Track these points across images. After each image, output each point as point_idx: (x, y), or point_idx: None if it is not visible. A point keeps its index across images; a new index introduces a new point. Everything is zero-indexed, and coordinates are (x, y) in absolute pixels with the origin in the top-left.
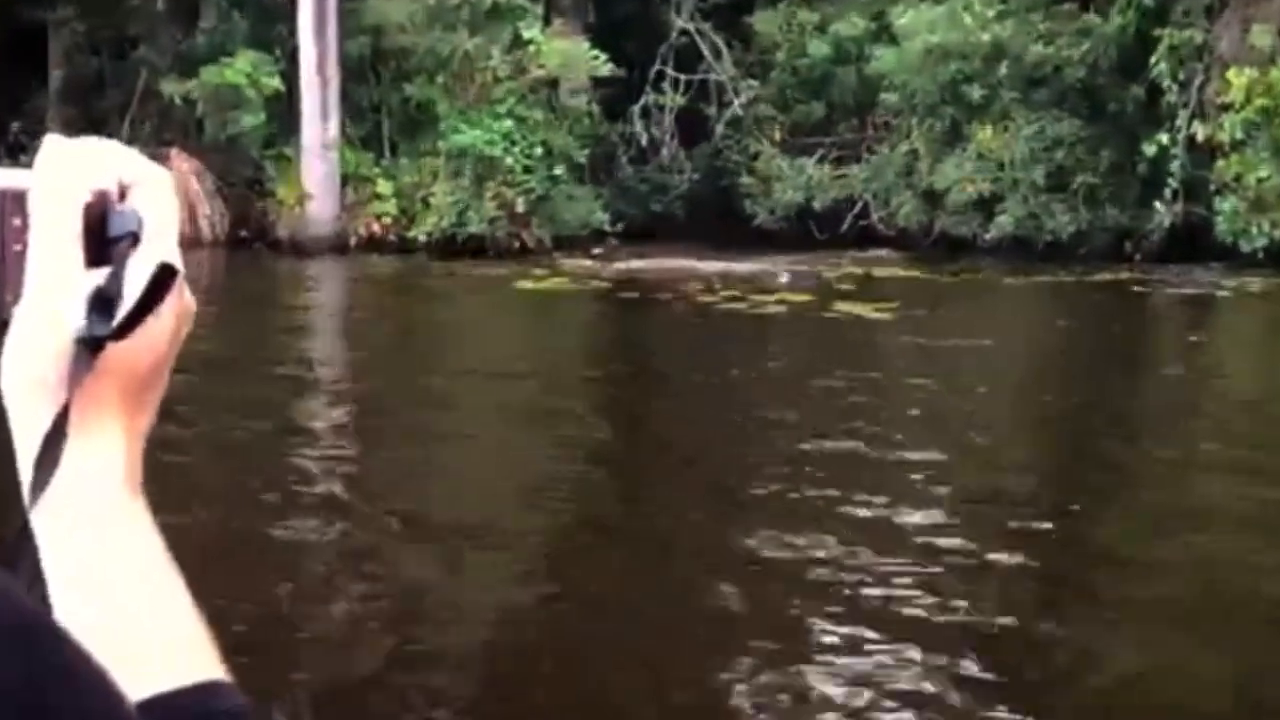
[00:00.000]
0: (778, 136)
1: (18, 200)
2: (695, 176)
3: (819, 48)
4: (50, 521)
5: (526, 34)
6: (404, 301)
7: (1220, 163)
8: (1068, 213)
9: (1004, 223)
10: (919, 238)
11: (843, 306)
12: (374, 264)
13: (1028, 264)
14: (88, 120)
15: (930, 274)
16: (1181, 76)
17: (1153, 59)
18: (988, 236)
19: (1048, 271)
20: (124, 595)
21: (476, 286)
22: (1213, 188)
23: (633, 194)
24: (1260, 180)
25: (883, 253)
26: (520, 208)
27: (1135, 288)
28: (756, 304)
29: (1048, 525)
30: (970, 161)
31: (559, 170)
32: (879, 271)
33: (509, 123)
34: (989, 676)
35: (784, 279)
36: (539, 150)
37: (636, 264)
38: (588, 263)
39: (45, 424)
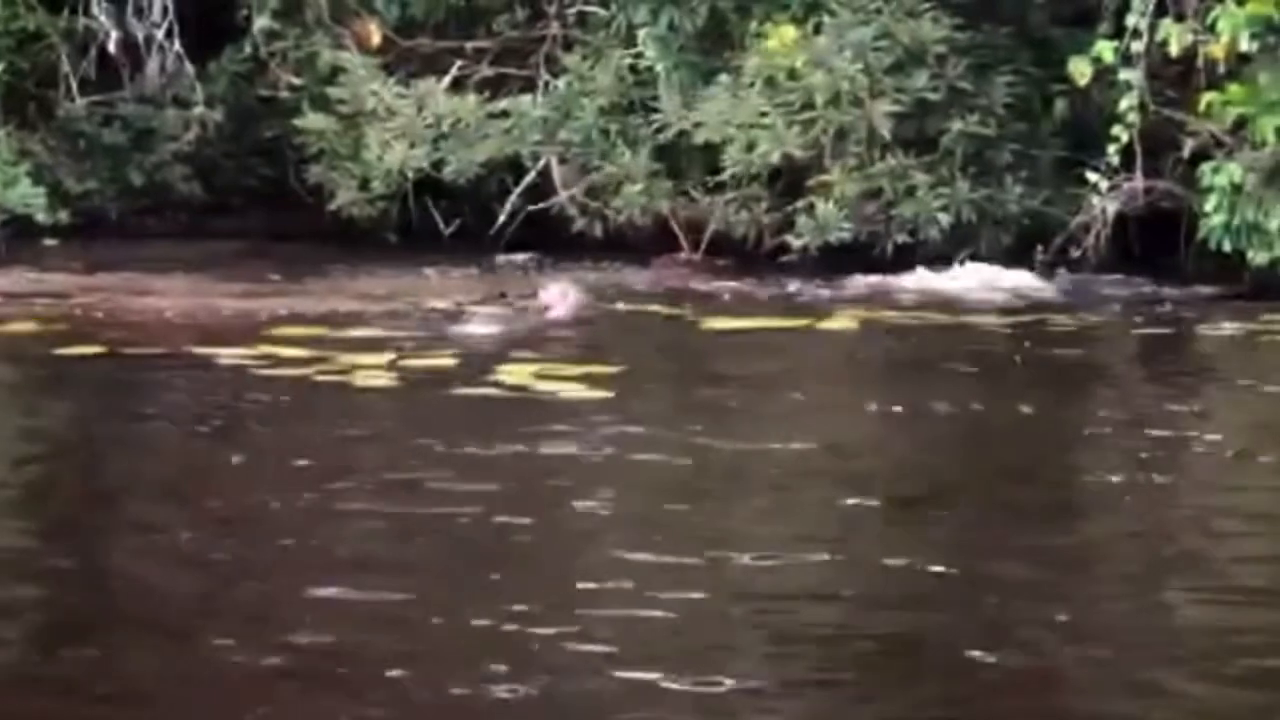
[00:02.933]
0: (374, 37)
1: None
2: (216, 116)
3: None
4: None
5: None
6: None
7: (1210, 97)
8: (932, 189)
9: (822, 215)
10: (653, 238)
11: (522, 377)
12: None
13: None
14: None
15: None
16: None
17: None
18: (794, 241)
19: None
20: None
21: None
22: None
23: (91, 151)
24: None
25: (600, 266)
26: None
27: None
28: (345, 370)
29: None
30: (746, 92)
31: None
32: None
33: None
34: None
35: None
36: None
37: (99, 292)
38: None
39: None
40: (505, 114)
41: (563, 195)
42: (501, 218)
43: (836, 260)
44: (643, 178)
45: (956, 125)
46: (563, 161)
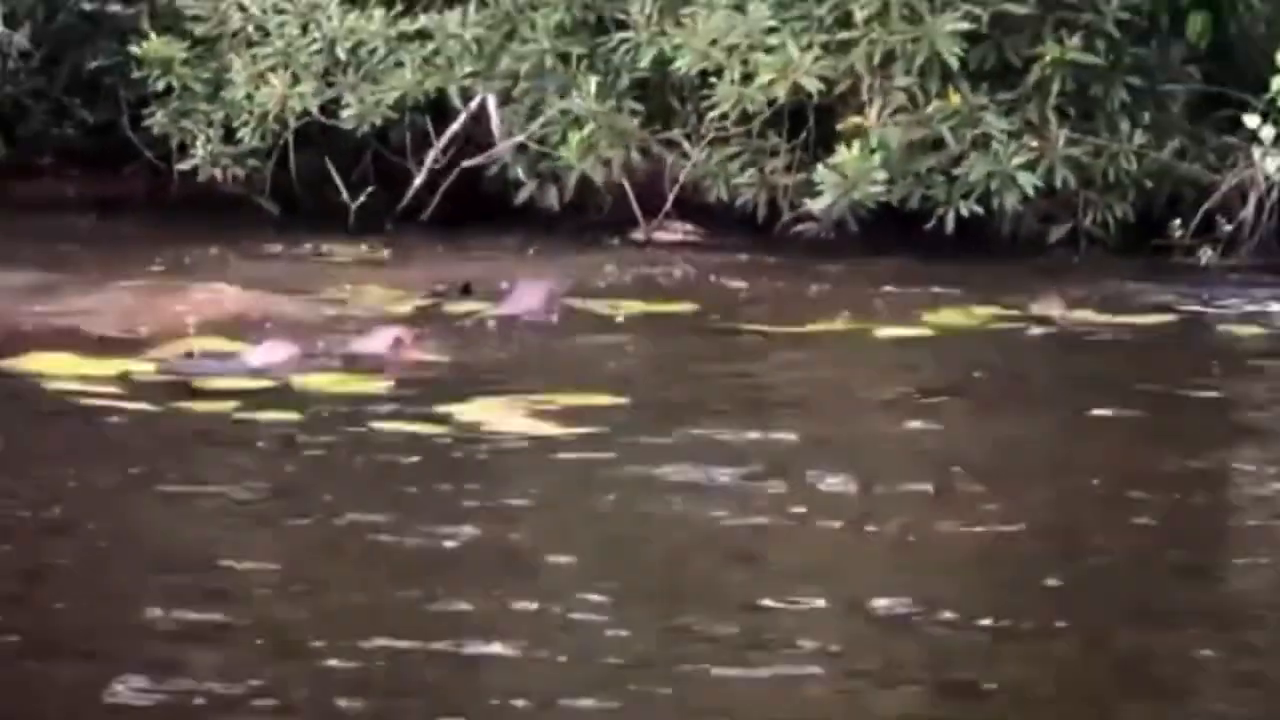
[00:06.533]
0: None
1: None
2: (20, 39)
3: None
4: None
5: None
6: None
7: None
8: (1013, 139)
9: (850, 166)
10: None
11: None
12: None
13: None
14: None
15: None
16: None
17: None
18: (813, 205)
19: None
20: None
21: None
22: None
23: None
24: None
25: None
26: None
27: None
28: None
29: None
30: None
31: None
32: None
33: None
34: None
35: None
36: None
37: None
38: None
39: None
40: (424, 35)
41: (503, 147)
42: (417, 180)
43: (872, 234)
44: (602, 117)
45: (1052, 50)
46: (505, 102)
